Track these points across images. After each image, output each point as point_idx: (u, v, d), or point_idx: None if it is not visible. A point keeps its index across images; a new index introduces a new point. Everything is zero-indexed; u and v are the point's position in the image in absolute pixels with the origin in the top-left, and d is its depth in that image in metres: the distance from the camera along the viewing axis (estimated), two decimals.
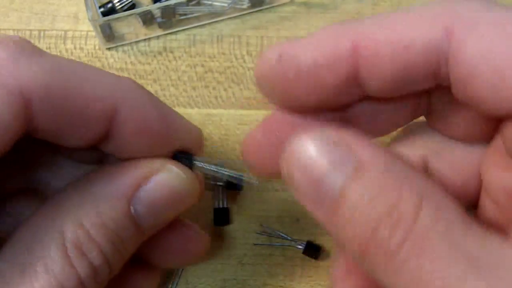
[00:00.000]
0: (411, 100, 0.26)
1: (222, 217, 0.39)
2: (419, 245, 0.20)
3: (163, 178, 0.27)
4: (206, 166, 0.29)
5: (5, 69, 0.22)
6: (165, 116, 0.28)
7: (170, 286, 0.38)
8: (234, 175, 0.29)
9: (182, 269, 0.38)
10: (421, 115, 0.28)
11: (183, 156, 0.29)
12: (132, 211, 0.26)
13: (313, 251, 0.38)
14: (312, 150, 0.23)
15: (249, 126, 0.42)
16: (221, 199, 0.40)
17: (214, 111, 0.42)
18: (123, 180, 0.27)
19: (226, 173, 0.29)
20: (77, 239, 0.24)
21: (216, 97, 0.42)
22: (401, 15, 0.23)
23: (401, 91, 0.24)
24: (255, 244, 0.39)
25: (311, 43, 0.23)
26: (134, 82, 0.27)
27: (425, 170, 0.27)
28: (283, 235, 0.39)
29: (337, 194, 0.22)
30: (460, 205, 0.21)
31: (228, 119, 0.42)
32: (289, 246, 0.39)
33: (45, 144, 0.27)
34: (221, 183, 0.40)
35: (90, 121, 0.25)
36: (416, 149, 0.28)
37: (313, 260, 0.39)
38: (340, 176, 0.22)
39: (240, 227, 0.39)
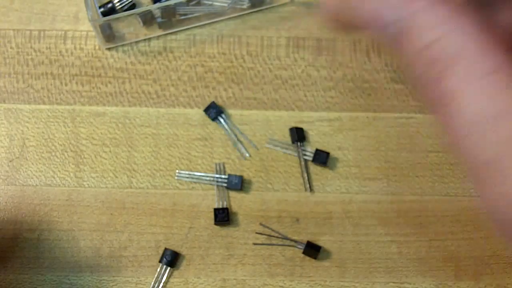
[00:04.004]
0: None
1: (222, 217, 0.39)
2: None
3: None
4: None
5: None
6: None
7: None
8: None
9: (172, 270, 0.38)
10: None
11: None
12: None
13: (313, 251, 0.38)
14: None
15: (249, 126, 0.42)
16: (221, 199, 0.40)
17: None
18: None
19: None
20: None
21: (216, 97, 0.42)
22: None
23: None
24: (255, 244, 0.39)
25: None
26: None
27: None
28: (283, 235, 0.39)
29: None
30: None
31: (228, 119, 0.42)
32: (289, 246, 0.39)
33: None
34: (221, 184, 0.40)
35: None
36: None
37: (313, 260, 0.39)
38: None
39: (240, 227, 0.39)
